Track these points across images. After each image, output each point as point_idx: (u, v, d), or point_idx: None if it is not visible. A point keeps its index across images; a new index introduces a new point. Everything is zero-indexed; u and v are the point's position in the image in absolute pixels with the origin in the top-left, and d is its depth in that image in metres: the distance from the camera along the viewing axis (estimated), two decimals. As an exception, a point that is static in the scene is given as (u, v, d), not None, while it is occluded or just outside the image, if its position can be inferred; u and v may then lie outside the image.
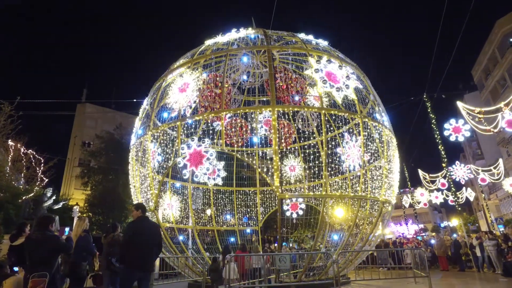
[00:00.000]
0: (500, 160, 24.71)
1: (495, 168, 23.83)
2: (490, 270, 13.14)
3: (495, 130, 14.98)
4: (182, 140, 9.67)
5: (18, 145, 17.08)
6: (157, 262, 12.03)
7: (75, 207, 18.40)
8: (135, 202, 11.02)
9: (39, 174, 17.58)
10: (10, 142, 16.66)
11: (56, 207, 15.21)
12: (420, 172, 28.59)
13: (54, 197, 14.71)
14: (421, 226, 34.60)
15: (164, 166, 10.45)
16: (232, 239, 14.17)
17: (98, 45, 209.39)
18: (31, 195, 15.78)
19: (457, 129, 17.73)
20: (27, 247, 4.70)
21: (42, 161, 18.19)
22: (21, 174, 17.28)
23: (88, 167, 27.16)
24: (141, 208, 5.26)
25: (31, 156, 17.49)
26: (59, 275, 5.06)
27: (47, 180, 18.07)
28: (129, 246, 4.78)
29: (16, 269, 5.43)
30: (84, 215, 21.49)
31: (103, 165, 23.78)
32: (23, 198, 15.23)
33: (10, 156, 16.70)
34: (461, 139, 18.34)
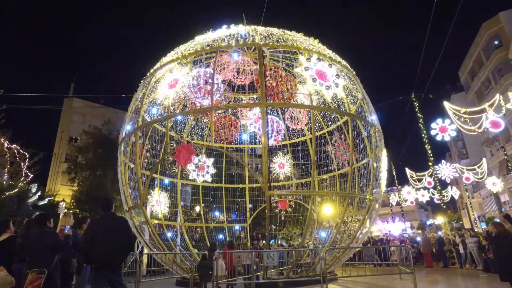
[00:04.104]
0: (484, 160, 25.32)
1: (479, 167, 24.41)
2: (472, 266, 13.51)
3: (479, 130, 15.35)
4: (171, 136, 9.59)
5: (2, 139, 16.63)
6: (145, 259, 11.95)
7: (61, 203, 18.07)
8: (123, 198, 10.90)
9: (24, 169, 17.17)
10: (-8, 137, 16.23)
11: (41, 203, 14.95)
12: (407, 170, 29.05)
13: (39, 193, 14.45)
14: (404, 227, 35.32)
15: (153, 162, 10.36)
16: (221, 236, 14.17)
17: (87, 38, 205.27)
18: (15, 190, 15.42)
19: (443, 129, 18.09)
20: (26, 242, 4.68)
21: (27, 156, 17.77)
22: (4, 169, 16.85)
23: (75, 162, 26.64)
24: (104, 204, 4.99)
25: (15, 151, 17.05)
26: (58, 271, 4.99)
27: (32, 175, 17.68)
28: (91, 245, 4.54)
29: None
30: (71, 211, 21.13)
31: (90, 160, 23.38)
32: (7, 194, 14.87)
33: (-8, 150, 16.27)
34: (447, 138, 18.73)
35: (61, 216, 6.23)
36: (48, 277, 4.40)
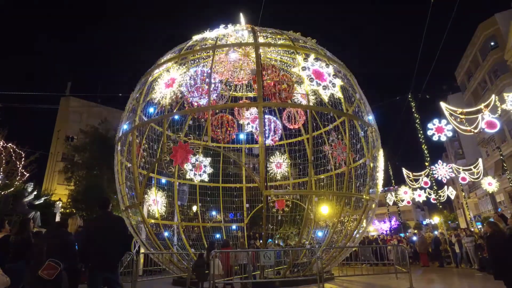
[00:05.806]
0: (480, 160, 25.49)
1: (475, 167, 24.58)
2: (467, 266, 13.60)
3: (475, 131, 15.45)
4: (168, 136, 9.58)
5: (-3, 138, 16.52)
6: (142, 258, 11.91)
7: (57, 203, 17.98)
8: (120, 197, 10.87)
9: (20, 168, 17.06)
10: (-12, 136, 16.10)
11: (37, 202, 14.82)
12: (404, 170, 29.17)
13: (35, 192, 14.32)
14: (395, 226, 35.51)
15: (150, 161, 10.33)
16: (218, 236, 14.15)
17: (84, 37, 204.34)
18: (11, 190, 15.32)
19: (440, 129, 18.18)
20: (42, 238, 4.72)
21: (23, 155, 17.63)
22: (-1, 168, 16.72)
23: (72, 162, 26.53)
24: (100, 203, 4.99)
25: (11, 150, 16.93)
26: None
27: (28, 175, 17.55)
28: (88, 245, 4.56)
29: None
30: (67, 210, 21.05)
31: (87, 160, 23.30)
32: (2, 193, 14.78)
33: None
34: (443, 139, 18.82)
35: (69, 220, 6.19)
36: (60, 272, 4.47)
